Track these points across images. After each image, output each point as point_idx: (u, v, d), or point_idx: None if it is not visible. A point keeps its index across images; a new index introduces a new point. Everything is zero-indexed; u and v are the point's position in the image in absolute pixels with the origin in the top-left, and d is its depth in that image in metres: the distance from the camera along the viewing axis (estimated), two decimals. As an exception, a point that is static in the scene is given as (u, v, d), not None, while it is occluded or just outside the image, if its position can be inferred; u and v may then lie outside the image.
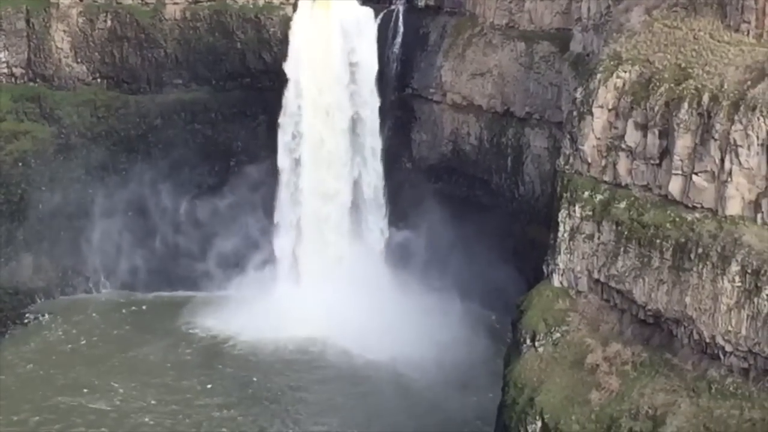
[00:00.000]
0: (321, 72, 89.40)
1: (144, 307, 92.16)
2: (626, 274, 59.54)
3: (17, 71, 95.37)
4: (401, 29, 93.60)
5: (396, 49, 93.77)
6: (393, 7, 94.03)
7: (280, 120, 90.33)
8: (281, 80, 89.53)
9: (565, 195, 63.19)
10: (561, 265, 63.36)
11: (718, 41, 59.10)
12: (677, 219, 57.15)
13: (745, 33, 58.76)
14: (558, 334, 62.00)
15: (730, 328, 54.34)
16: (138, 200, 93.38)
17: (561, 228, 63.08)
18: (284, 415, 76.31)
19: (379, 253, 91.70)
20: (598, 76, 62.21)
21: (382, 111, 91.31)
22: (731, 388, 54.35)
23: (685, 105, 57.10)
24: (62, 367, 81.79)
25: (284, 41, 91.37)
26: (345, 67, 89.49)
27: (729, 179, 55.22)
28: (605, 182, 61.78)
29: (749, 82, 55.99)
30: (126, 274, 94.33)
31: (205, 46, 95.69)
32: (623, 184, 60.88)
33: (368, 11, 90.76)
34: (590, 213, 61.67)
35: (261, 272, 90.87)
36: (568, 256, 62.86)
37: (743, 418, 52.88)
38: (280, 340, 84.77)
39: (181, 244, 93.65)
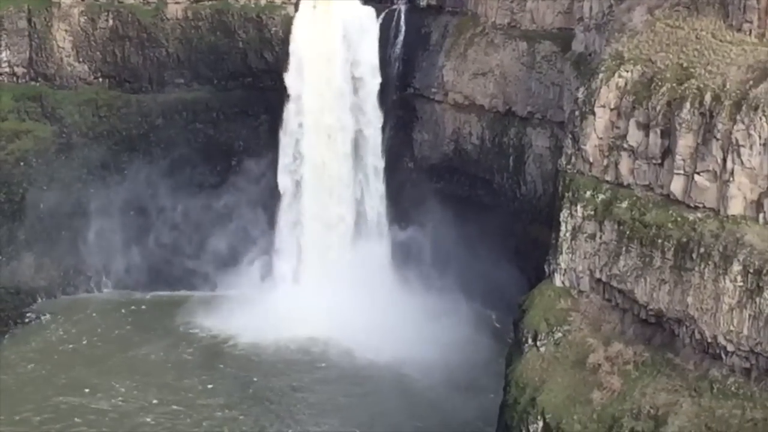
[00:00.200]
0: (323, 85, 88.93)
1: (144, 307, 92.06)
2: (628, 274, 59.50)
3: (19, 70, 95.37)
4: (403, 29, 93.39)
5: (398, 48, 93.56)
6: (395, 6, 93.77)
7: (281, 136, 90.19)
8: (282, 80, 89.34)
9: (566, 194, 63.18)
10: (563, 265, 63.38)
11: (720, 41, 59.05)
12: (679, 219, 57.11)
13: (747, 33, 58.68)
14: (560, 334, 62.00)
15: (731, 328, 54.30)
16: (139, 200, 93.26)
17: (563, 227, 63.08)
18: (286, 416, 76.21)
19: (380, 253, 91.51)
20: (600, 75, 62.17)
21: (385, 116, 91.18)
22: (733, 388, 54.32)
23: (687, 105, 57.05)
24: (63, 366, 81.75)
25: (286, 41, 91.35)
26: (347, 79, 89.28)
27: (731, 179, 55.19)
28: (607, 182, 61.77)
29: (751, 82, 55.96)
30: (127, 274, 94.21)
31: (206, 45, 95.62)
32: (625, 183, 60.84)
33: (370, 11, 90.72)
34: (592, 213, 61.64)
35: (261, 272, 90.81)
36: (570, 255, 62.86)
37: (745, 418, 52.87)
38: (281, 340, 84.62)
39: (182, 244, 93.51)
